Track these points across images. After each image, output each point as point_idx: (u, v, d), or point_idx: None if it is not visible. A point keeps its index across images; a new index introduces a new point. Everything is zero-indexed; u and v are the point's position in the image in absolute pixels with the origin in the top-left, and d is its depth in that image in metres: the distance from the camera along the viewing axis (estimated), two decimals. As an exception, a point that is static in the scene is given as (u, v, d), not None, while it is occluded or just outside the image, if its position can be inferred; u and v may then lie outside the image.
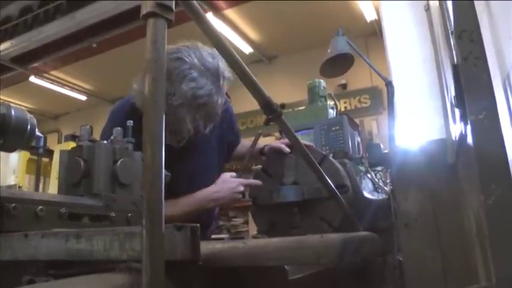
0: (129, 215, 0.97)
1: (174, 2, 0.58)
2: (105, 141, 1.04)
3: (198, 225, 0.56)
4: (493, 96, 0.54)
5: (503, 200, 0.49)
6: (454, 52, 1.13)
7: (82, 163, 0.96)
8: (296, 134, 2.32)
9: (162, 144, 0.51)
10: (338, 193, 1.33)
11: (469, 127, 0.74)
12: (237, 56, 0.79)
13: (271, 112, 0.85)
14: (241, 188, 1.64)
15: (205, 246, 0.58)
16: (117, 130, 1.04)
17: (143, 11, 0.55)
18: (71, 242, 0.63)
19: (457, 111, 1.10)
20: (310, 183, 1.56)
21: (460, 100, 0.86)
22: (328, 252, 0.53)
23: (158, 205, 0.50)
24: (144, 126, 0.52)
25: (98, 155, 0.97)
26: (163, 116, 0.52)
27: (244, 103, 4.23)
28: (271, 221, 1.67)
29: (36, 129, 0.77)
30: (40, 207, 0.77)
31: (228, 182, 1.64)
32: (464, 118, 0.97)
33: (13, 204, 0.72)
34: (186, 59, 1.49)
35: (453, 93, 1.14)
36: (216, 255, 0.59)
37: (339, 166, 1.71)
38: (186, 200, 1.61)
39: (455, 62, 0.97)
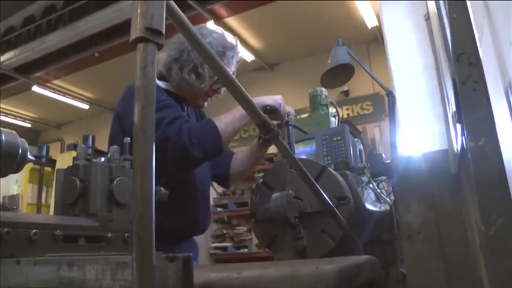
0: (126, 234, 0.96)
1: (164, 26, 0.57)
2: (102, 159, 1.03)
3: (191, 254, 0.55)
4: (493, 122, 0.53)
5: (505, 230, 0.47)
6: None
7: (78, 182, 0.95)
8: (298, 143, 2.32)
9: (153, 173, 0.50)
10: (336, 210, 1.31)
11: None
12: (232, 75, 0.78)
13: (268, 132, 0.84)
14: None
15: (199, 276, 0.57)
16: (114, 148, 1.02)
17: (132, 36, 0.54)
18: (63, 270, 0.61)
19: (458, 125, 1.09)
20: (311, 196, 1.54)
21: (461, 117, 0.85)
22: (324, 284, 0.52)
23: (149, 237, 0.49)
24: (134, 155, 0.51)
25: (94, 174, 0.96)
26: (154, 144, 0.51)
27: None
28: (272, 234, 1.65)
29: (28, 153, 0.76)
30: (34, 230, 0.76)
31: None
32: (465, 132, 0.96)
33: (6, 229, 0.71)
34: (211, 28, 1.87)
35: (454, 107, 1.13)
36: (209, 286, 0.58)
37: (339, 177, 1.69)
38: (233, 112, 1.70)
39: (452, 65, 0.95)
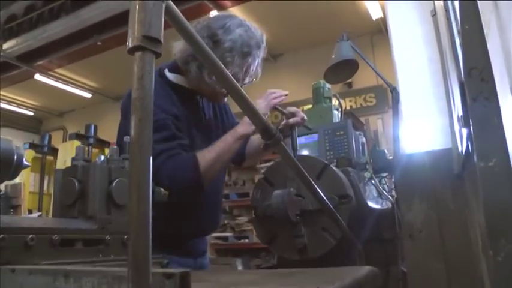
0: (125, 237, 0.95)
1: (162, 33, 0.55)
2: (102, 157, 1.02)
3: (189, 270, 0.53)
4: (505, 141, 0.50)
5: (515, 256, 0.45)
6: (461, 63, 1.10)
7: (76, 184, 0.93)
8: (300, 138, 2.30)
9: (149, 189, 0.48)
10: (335, 212, 1.30)
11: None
12: (234, 80, 0.76)
13: (270, 137, 0.82)
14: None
15: (196, 292, 0.56)
16: (113, 149, 1.01)
17: (129, 45, 0.52)
18: (58, 281, 0.60)
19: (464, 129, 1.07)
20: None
21: (467, 121, 0.83)
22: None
23: (145, 254, 0.47)
24: (130, 171, 0.49)
25: (93, 175, 0.95)
26: (151, 159, 0.49)
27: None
28: (273, 231, 1.65)
29: (24, 159, 0.75)
30: (30, 236, 0.74)
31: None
32: (471, 138, 0.94)
33: (1, 235, 0.70)
34: (237, 18, 1.71)
35: (460, 110, 1.10)
36: (206, 303, 0.57)
37: (341, 174, 1.68)
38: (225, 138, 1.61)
39: (463, 79, 0.93)
